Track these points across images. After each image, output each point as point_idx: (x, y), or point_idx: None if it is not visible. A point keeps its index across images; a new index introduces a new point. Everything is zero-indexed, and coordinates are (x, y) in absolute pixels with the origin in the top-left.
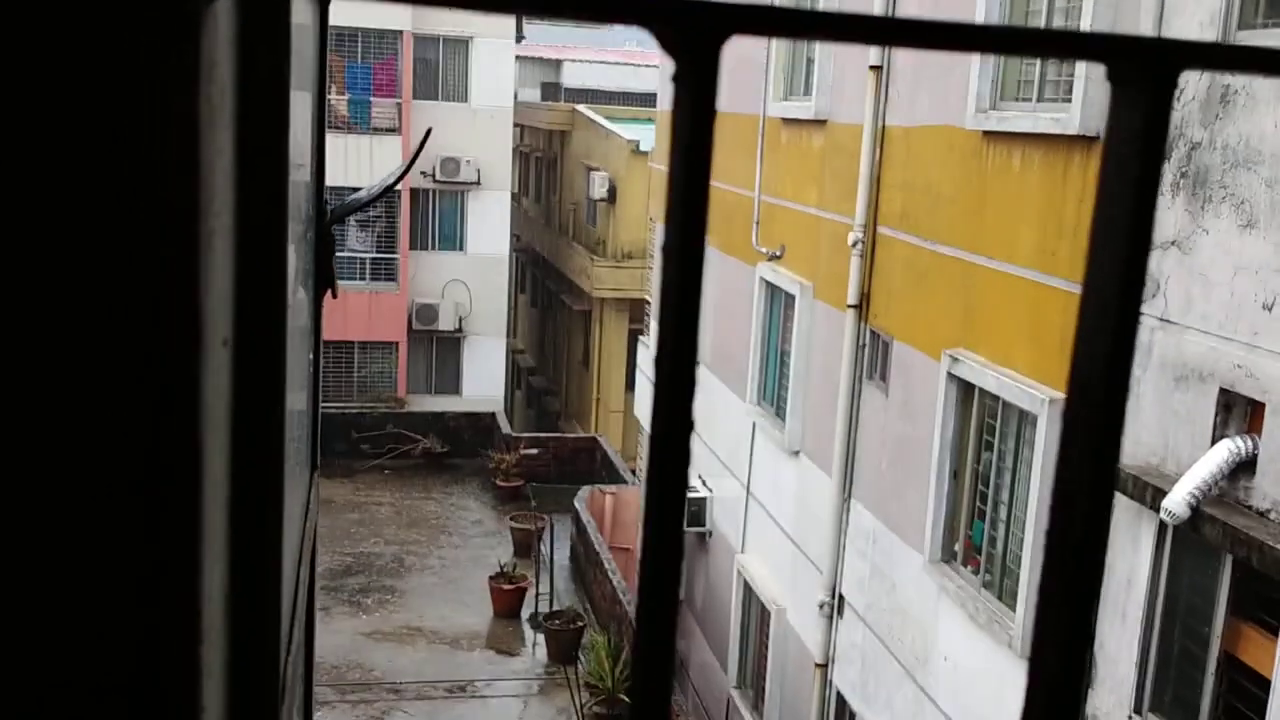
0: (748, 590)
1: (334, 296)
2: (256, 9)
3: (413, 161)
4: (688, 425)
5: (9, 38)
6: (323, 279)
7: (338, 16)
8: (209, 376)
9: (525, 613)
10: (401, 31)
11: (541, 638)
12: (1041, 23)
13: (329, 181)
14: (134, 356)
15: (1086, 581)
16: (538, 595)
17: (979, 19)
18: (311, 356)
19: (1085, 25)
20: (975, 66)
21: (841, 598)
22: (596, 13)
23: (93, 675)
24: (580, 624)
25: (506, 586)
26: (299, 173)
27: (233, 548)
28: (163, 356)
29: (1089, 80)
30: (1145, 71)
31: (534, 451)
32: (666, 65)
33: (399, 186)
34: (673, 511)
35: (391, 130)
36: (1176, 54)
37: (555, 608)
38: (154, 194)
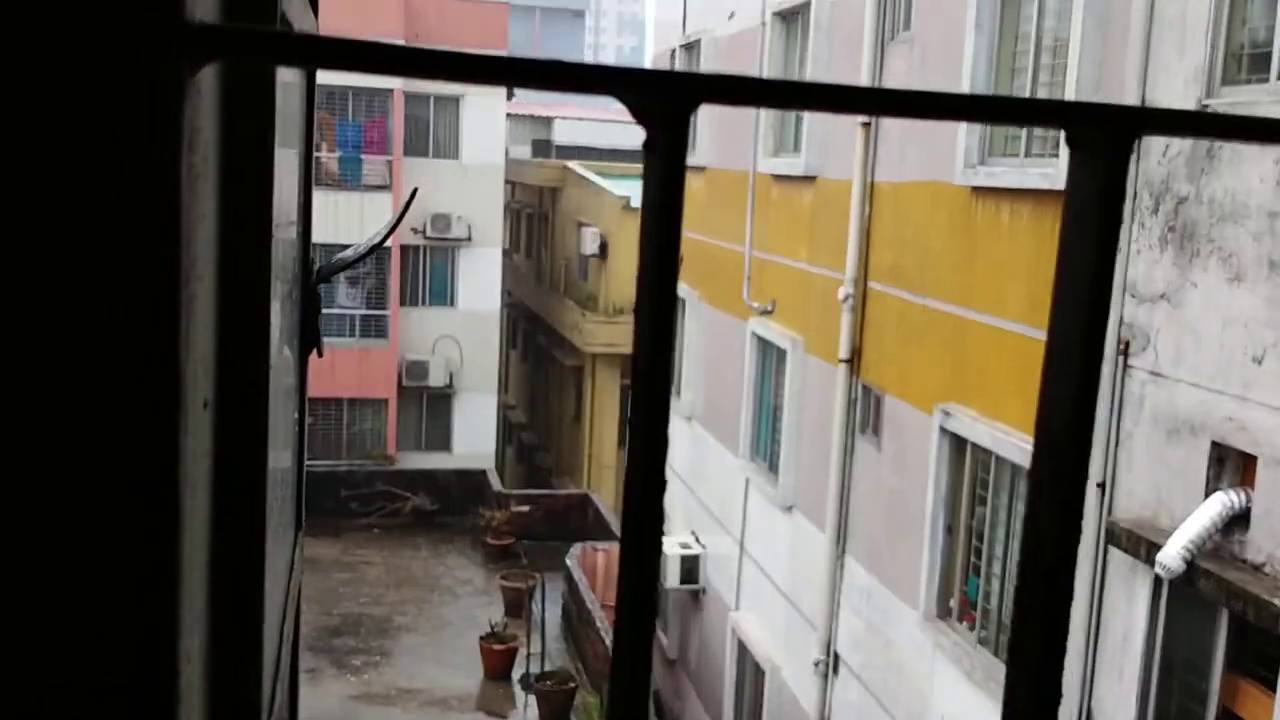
0: (742, 648)
1: (319, 355)
2: (241, 78)
3: (399, 220)
4: (660, 484)
5: None
6: (309, 338)
7: (328, 75)
8: (189, 438)
9: (516, 674)
10: (392, 90)
11: (533, 699)
12: (1028, 79)
13: (319, 238)
14: (113, 419)
15: (1056, 636)
16: (529, 655)
17: (965, 76)
18: (297, 415)
19: (1071, 81)
20: (963, 123)
21: (837, 655)
22: (570, 85)
23: None
24: (572, 685)
25: (497, 647)
26: (285, 231)
27: (214, 608)
28: (142, 419)
29: None
30: (1102, 136)
31: (525, 509)
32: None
33: (389, 243)
34: (649, 558)
35: (382, 187)
36: (1132, 120)
37: (547, 668)
38: (135, 259)
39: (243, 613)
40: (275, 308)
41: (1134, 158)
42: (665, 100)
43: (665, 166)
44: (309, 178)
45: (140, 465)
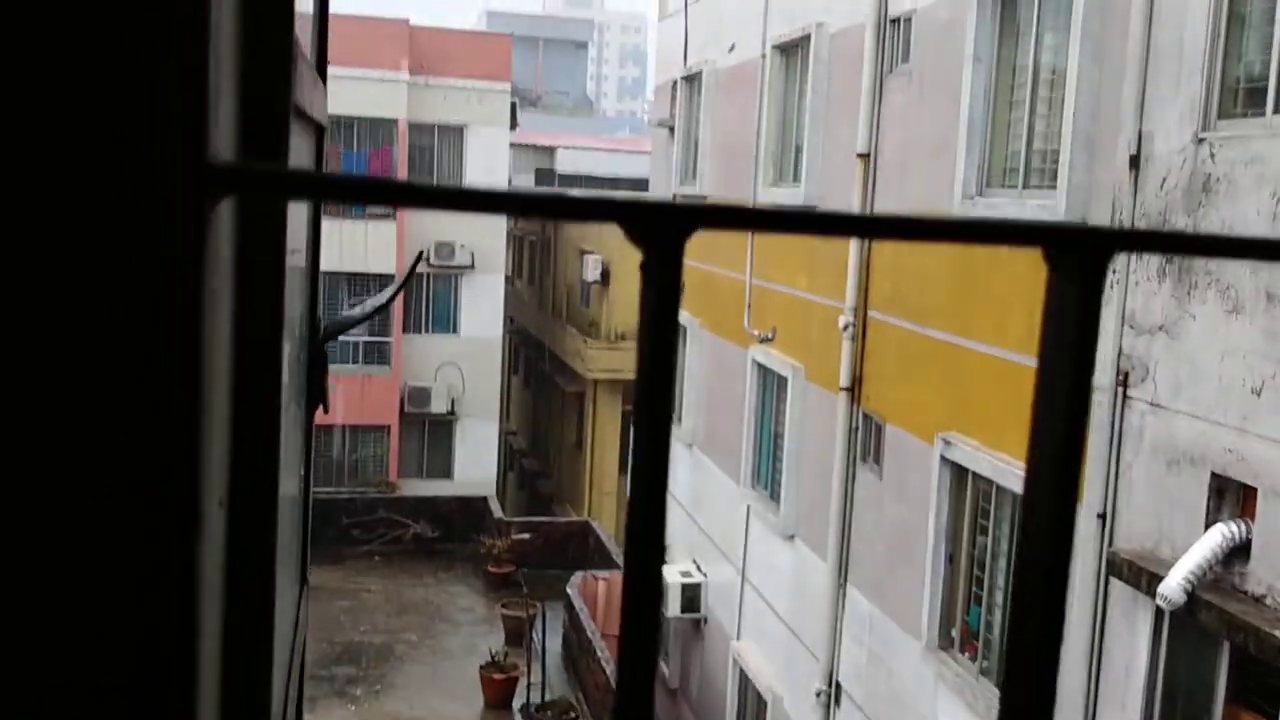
0: (743, 678)
1: (325, 412)
2: (255, 208)
3: (405, 282)
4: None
5: (26, 228)
6: (314, 395)
7: (334, 105)
8: (206, 542)
9: (517, 703)
10: (397, 120)
11: None
12: (1025, 111)
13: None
14: (135, 523)
15: (1049, 659)
16: (529, 685)
17: (963, 108)
18: (303, 473)
19: (1068, 114)
20: (962, 153)
21: (839, 685)
22: (573, 214)
23: None
24: (573, 715)
25: (498, 676)
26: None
27: (224, 684)
28: (162, 525)
29: (1073, 168)
30: (1079, 256)
31: (526, 536)
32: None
33: (394, 272)
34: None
35: (386, 216)
36: (1107, 240)
37: (548, 698)
38: (159, 378)
39: (250, 695)
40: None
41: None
42: (661, 228)
43: (660, 290)
44: (318, 232)
45: (160, 572)
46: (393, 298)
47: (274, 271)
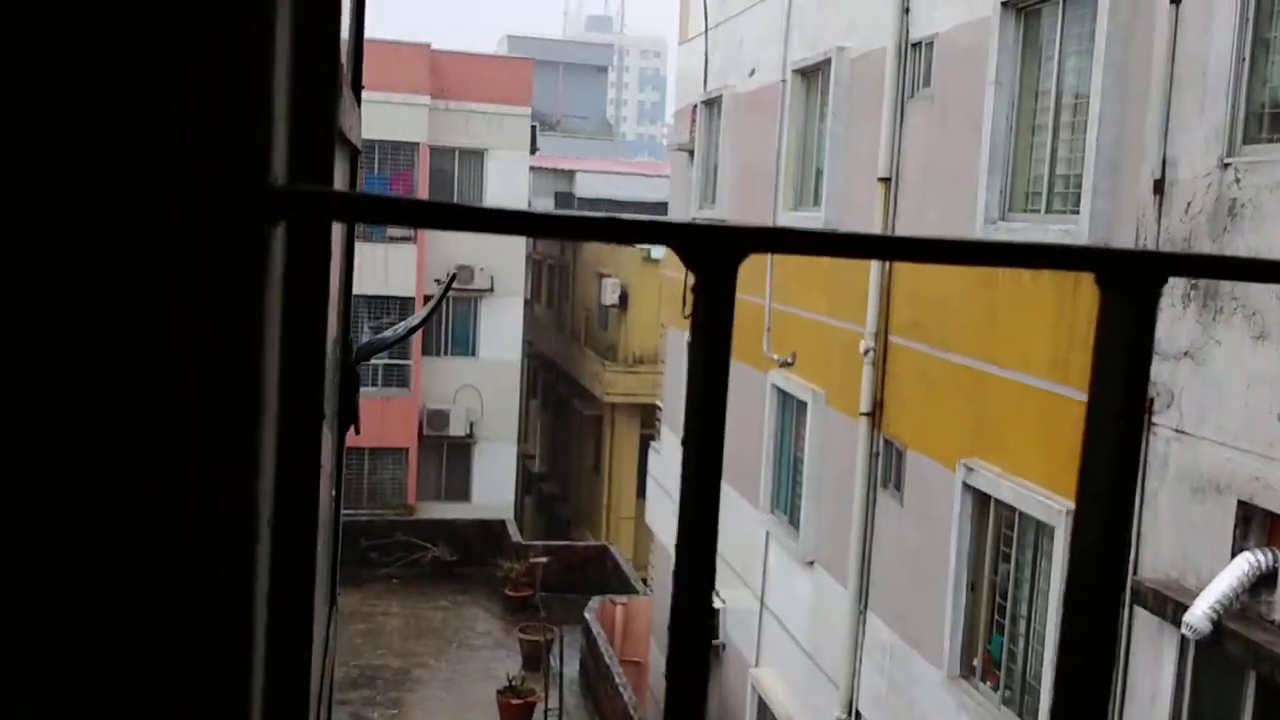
0: (762, 705)
1: (357, 433)
2: (303, 229)
3: (438, 304)
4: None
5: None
6: (346, 418)
7: None
8: (258, 564)
9: None
10: (418, 144)
11: None
12: (1048, 136)
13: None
14: (194, 544)
15: (1098, 698)
16: (547, 710)
17: (985, 133)
18: (335, 493)
19: (1091, 139)
20: (984, 178)
21: (858, 714)
22: (629, 237)
23: None
24: None
25: (515, 701)
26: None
27: (266, 696)
28: (221, 537)
29: (1096, 193)
30: (1132, 280)
31: (544, 560)
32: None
33: (412, 292)
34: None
35: (406, 239)
36: (1161, 264)
37: None
38: (221, 395)
39: (288, 709)
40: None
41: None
42: (715, 251)
43: (712, 311)
44: (351, 254)
45: (217, 600)
46: (426, 319)
47: (319, 293)
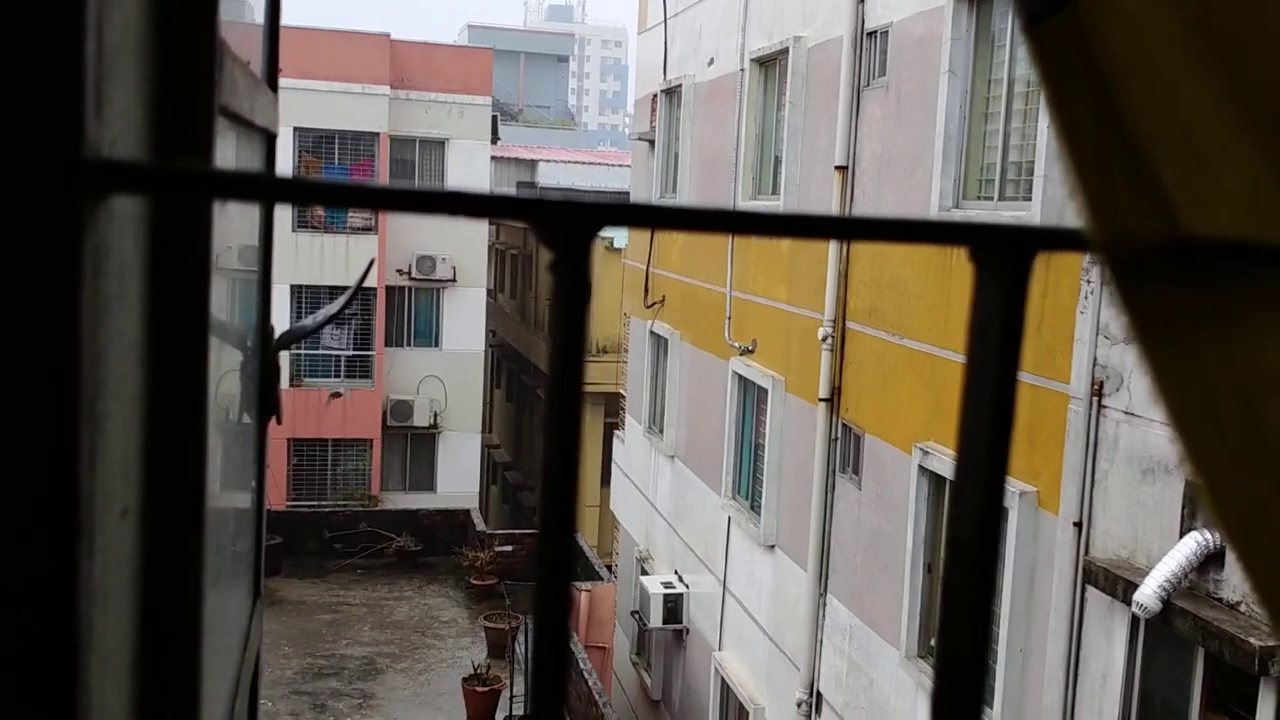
0: (725, 688)
1: (278, 423)
2: (174, 211)
3: (355, 292)
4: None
5: None
6: (268, 406)
7: (316, 118)
8: (100, 551)
9: (500, 715)
10: (379, 133)
11: None
12: (1000, 124)
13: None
14: (6, 539)
15: (979, 635)
16: (512, 697)
17: (939, 121)
18: (255, 482)
19: (1042, 126)
20: (938, 165)
21: (819, 695)
22: (483, 212)
23: None
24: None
25: (480, 689)
26: (245, 299)
27: (142, 715)
28: (36, 541)
29: (1048, 179)
30: (1002, 255)
31: (508, 549)
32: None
33: (374, 284)
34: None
35: (367, 229)
36: (1031, 238)
37: (530, 710)
38: (31, 385)
39: (175, 712)
40: (232, 378)
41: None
42: (567, 227)
43: (568, 287)
44: (269, 246)
45: (41, 580)
46: (345, 305)
47: (195, 275)
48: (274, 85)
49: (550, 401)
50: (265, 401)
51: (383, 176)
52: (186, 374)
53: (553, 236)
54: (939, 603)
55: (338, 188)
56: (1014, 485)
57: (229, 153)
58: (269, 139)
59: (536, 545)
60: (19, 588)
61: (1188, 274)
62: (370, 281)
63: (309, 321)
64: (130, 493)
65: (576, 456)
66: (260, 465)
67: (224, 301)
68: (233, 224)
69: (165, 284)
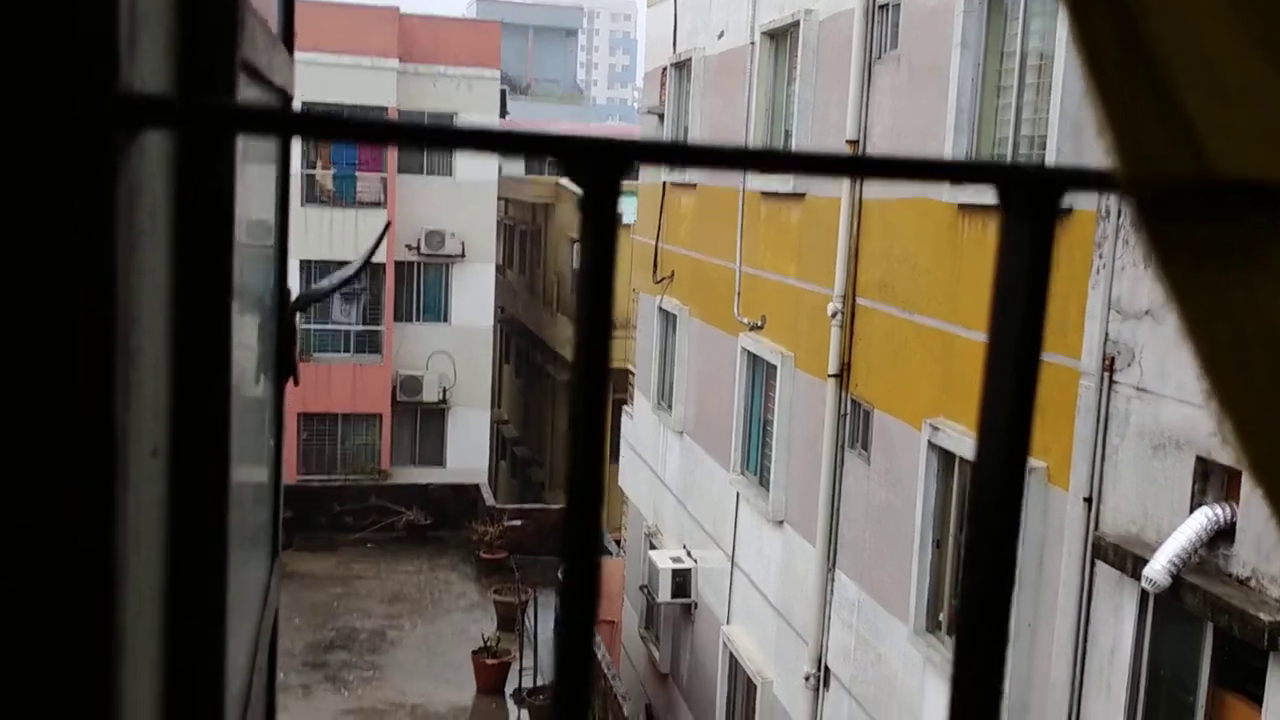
0: (733, 662)
1: (295, 384)
2: (197, 140)
3: (372, 252)
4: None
5: None
6: (284, 367)
7: (324, 93)
8: (132, 490)
9: (509, 688)
10: (387, 108)
11: (526, 714)
12: (1013, 97)
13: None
14: (47, 478)
15: (1001, 617)
16: (521, 670)
17: (951, 94)
18: (273, 442)
19: (1055, 99)
20: (949, 138)
21: (827, 669)
22: (511, 149)
23: None
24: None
25: (490, 661)
26: (261, 264)
27: (169, 652)
28: (74, 469)
29: (1060, 153)
30: (1030, 195)
31: (518, 523)
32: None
33: (384, 259)
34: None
35: (376, 204)
36: (1059, 179)
37: (540, 682)
38: (68, 318)
39: (202, 664)
40: (251, 338)
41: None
42: (598, 163)
43: (598, 224)
44: (286, 211)
45: (75, 516)
46: (361, 268)
47: (221, 216)
48: (290, 47)
49: (579, 338)
50: (282, 363)
51: (391, 151)
52: (211, 318)
53: (582, 174)
54: (962, 570)
55: (359, 123)
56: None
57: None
58: (285, 100)
59: (565, 476)
60: (61, 515)
61: (1215, 214)
62: (379, 257)
63: (325, 283)
64: (160, 431)
65: (605, 399)
66: (278, 427)
67: (242, 267)
68: (250, 194)
69: (192, 219)
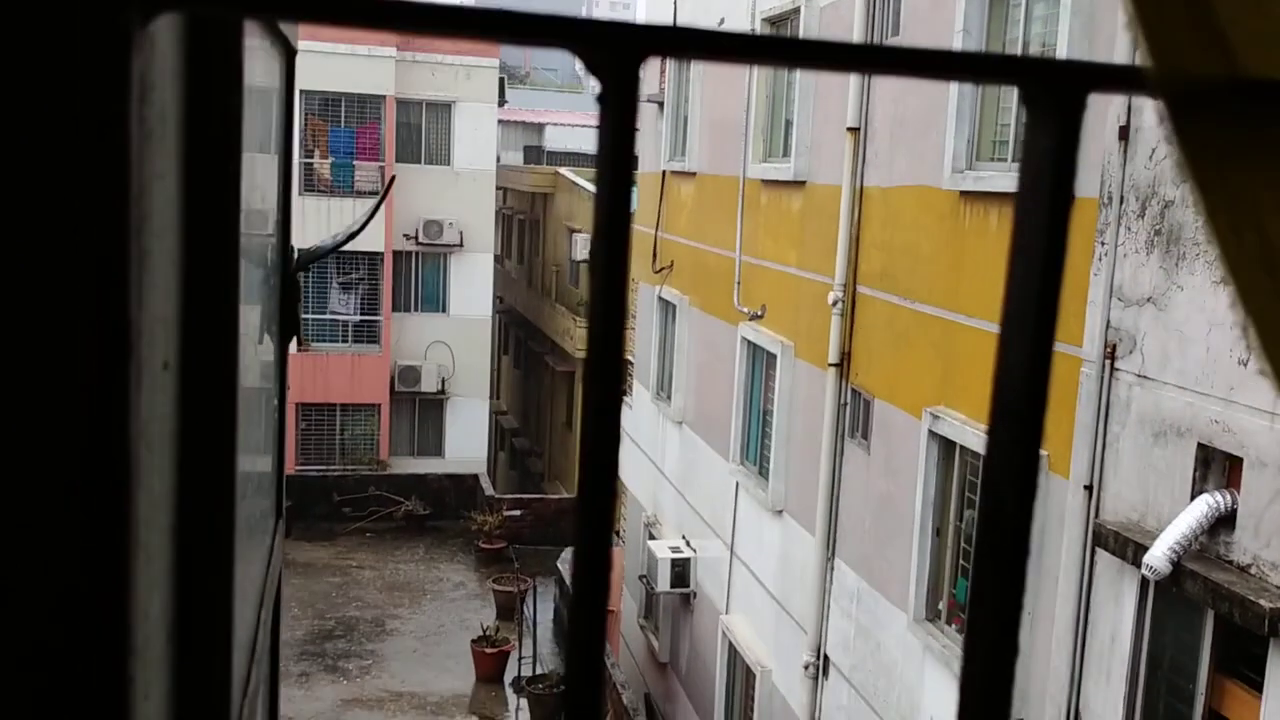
0: (732, 651)
1: (299, 346)
2: (204, 38)
3: (376, 208)
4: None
5: None
6: (289, 325)
7: (322, 81)
8: (145, 397)
9: (508, 677)
10: (385, 96)
11: (525, 702)
12: (1020, 33)
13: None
14: (59, 375)
15: (1013, 602)
16: (520, 659)
17: (952, 94)
18: (277, 402)
19: (1063, 33)
20: (951, 127)
21: (826, 658)
22: (522, 37)
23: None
24: (564, 688)
25: (489, 650)
26: (264, 221)
27: (178, 563)
28: (90, 376)
29: None
30: (1055, 92)
31: (517, 513)
32: (594, 86)
33: (381, 248)
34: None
35: (374, 193)
36: (1085, 75)
37: (539, 671)
38: (80, 208)
39: (212, 569)
40: (255, 293)
41: (1149, 154)
42: (617, 51)
43: (616, 116)
44: (289, 168)
45: (90, 424)
46: (364, 225)
47: (230, 108)
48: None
49: (595, 249)
50: (286, 321)
51: (389, 140)
52: (220, 217)
53: (601, 61)
54: (974, 550)
55: (368, 5)
56: None
57: (255, 63)
58: (289, 56)
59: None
60: (76, 414)
61: (1246, 115)
62: (377, 246)
63: (327, 241)
64: (171, 346)
65: (623, 327)
66: (281, 386)
67: (244, 247)
68: (254, 179)
69: (201, 115)
